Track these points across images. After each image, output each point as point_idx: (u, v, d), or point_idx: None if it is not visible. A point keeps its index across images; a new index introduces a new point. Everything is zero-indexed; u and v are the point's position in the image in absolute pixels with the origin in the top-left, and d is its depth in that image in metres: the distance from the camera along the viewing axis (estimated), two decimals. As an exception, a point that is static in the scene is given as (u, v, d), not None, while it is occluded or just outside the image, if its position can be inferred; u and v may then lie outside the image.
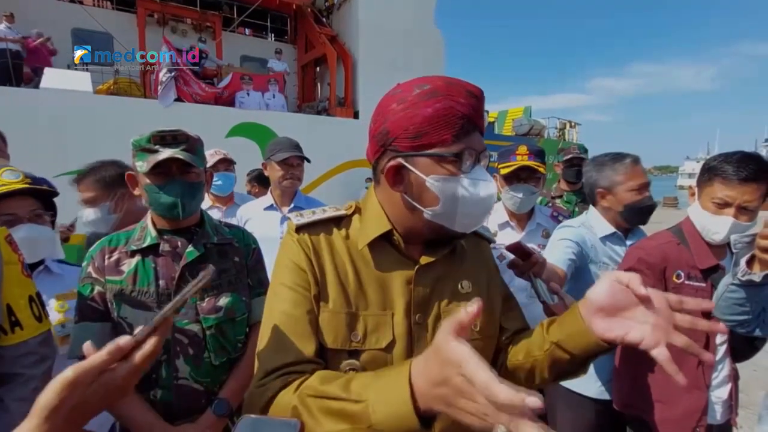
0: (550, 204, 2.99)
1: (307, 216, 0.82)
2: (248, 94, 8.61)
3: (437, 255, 0.79)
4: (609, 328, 0.65)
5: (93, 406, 0.54)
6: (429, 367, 0.50)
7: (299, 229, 0.80)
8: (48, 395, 0.51)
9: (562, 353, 0.72)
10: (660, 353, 0.60)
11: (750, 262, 1.15)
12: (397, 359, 0.74)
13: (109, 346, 0.55)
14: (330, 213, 0.83)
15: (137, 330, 0.58)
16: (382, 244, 0.79)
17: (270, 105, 8.82)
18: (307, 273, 0.76)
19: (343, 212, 0.83)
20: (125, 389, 0.57)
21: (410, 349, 0.75)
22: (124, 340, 0.56)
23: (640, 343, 0.62)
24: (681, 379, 0.58)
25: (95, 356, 0.54)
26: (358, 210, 0.84)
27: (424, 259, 0.78)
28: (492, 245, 0.96)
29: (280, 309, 0.75)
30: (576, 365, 0.74)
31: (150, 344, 0.57)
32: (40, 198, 1.42)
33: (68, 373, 0.52)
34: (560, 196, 3.16)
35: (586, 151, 3.22)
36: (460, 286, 0.81)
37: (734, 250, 1.21)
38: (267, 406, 0.66)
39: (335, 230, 0.81)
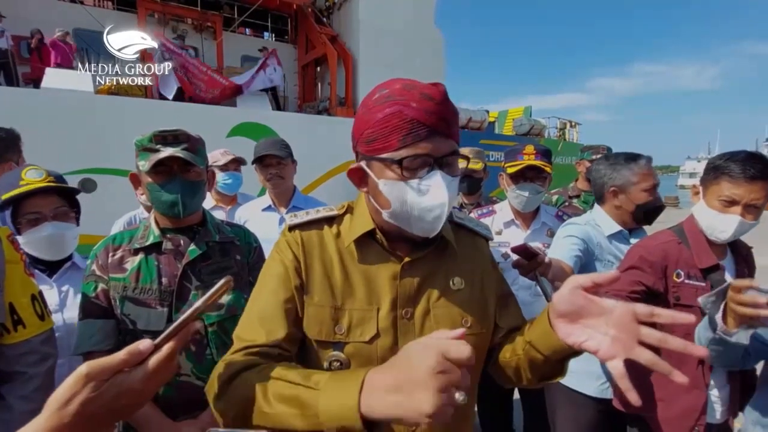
0: (566, 203, 2.97)
1: (301, 216, 0.86)
2: (253, 78, 8.84)
3: (422, 252, 0.82)
4: (569, 333, 0.65)
5: (106, 407, 0.53)
6: (393, 364, 0.54)
7: (292, 228, 0.85)
8: (60, 388, 0.51)
9: (535, 353, 0.74)
10: (614, 367, 0.59)
11: (723, 316, 1.15)
12: (381, 352, 0.76)
13: (129, 348, 0.54)
14: (323, 213, 0.87)
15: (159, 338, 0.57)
16: (369, 241, 0.82)
17: (273, 80, 9.17)
18: (290, 267, 0.80)
19: (335, 212, 0.87)
20: (142, 394, 0.55)
21: (396, 343, 0.77)
22: (144, 344, 0.55)
23: (596, 353, 0.62)
24: (633, 397, 0.57)
25: (113, 355, 0.54)
26: (350, 210, 0.88)
27: (410, 256, 0.81)
28: (497, 245, 0.97)
29: (260, 297, 0.80)
30: (552, 366, 0.74)
31: (165, 350, 0.56)
32: (63, 196, 1.44)
33: (82, 367, 0.52)
34: (578, 196, 3.10)
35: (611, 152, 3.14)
36: (451, 282, 0.83)
37: (705, 311, 1.22)
38: (230, 380, 0.68)
39: (327, 228, 0.85)
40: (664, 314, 0.58)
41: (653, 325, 0.59)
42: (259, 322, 0.76)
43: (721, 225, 1.35)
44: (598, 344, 0.62)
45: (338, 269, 0.80)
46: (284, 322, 0.76)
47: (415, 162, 0.71)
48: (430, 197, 0.72)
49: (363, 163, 0.78)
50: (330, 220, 0.86)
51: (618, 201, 1.73)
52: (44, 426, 0.50)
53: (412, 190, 0.72)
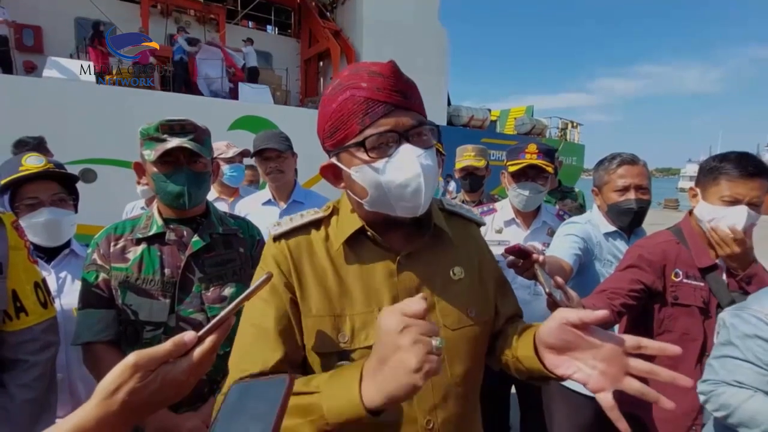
0: None
1: (285, 224, 0.81)
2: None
3: (417, 243, 0.79)
4: (557, 365, 0.66)
5: (151, 397, 0.53)
6: (374, 347, 0.58)
7: (277, 238, 0.79)
8: (107, 377, 0.52)
9: (522, 367, 0.75)
10: (603, 399, 0.60)
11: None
12: None
13: (174, 339, 0.55)
14: (308, 217, 0.81)
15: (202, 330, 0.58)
16: (360, 240, 0.78)
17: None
18: (279, 283, 0.75)
19: (321, 214, 0.82)
20: (184, 385, 0.56)
21: None
22: (189, 335, 0.56)
23: (585, 385, 0.63)
24: (623, 426, 0.58)
25: (159, 346, 0.54)
26: (335, 210, 0.83)
27: (404, 249, 0.78)
28: (497, 243, 0.96)
29: (250, 321, 0.74)
30: (541, 379, 0.74)
31: (208, 342, 0.57)
32: (62, 183, 1.45)
33: (130, 357, 0.52)
34: None
35: (556, 150, 3.20)
36: (452, 272, 0.80)
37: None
38: None
39: (314, 233, 0.80)
40: (650, 345, 0.60)
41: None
42: (254, 349, 0.71)
43: (732, 218, 1.30)
44: (586, 377, 0.63)
45: (331, 275, 0.76)
46: (279, 345, 0.71)
47: (380, 140, 0.68)
48: (403, 172, 0.69)
49: (333, 158, 0.75)
50: (317, 224, 0.81)
51: (598, 200, 1.77)
52: (91, 415, 0.51)
53: (383, 169, 0.69)
